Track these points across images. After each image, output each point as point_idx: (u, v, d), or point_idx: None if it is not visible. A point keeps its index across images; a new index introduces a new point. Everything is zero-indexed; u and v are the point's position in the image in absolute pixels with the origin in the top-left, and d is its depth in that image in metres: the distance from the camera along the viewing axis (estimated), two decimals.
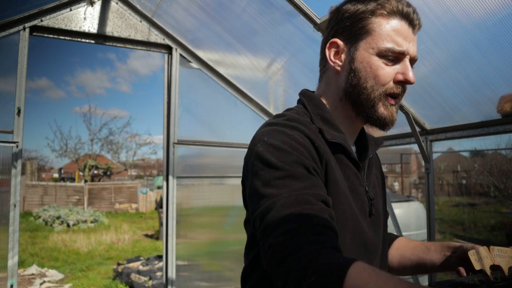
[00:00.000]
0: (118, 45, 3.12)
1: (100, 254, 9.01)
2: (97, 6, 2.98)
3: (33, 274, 6.94)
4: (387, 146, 2.93)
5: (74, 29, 2.89)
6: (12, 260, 2.57)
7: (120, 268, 6.84)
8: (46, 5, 2.77)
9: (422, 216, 3.87)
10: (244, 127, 3.63)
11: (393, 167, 31.51)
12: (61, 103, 48.49)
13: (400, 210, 3.80)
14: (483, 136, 2.20)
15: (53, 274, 7.01)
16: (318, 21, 2.08)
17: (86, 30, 2.94)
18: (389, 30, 0.88)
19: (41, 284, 6.40)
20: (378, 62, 0.89)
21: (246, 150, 0.94)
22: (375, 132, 3.15)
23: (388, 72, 0.89)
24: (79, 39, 3.00)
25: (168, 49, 3.26)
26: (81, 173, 24.03)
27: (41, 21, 2.77)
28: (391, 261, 1.11)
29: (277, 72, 3.15)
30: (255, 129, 1.28)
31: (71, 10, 2.88)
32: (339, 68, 0.95)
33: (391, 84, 0.90)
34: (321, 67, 1.02)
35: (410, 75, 0.89)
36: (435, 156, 2.55)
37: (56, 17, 2.83)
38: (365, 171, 0.99)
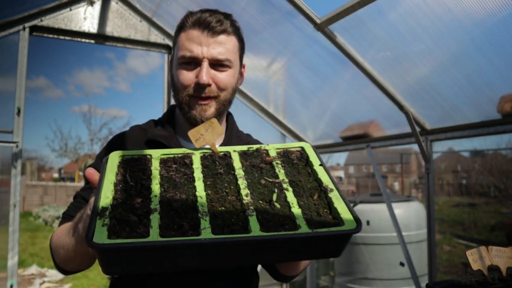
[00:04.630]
0: (118, 45, 3.12)
1: None
2: (97, 6, 2.98)
3: (33, 274, 6.94)
4: (387, 146, 2.93)
5: (74, 29, 2.89)
6: (12, 260, 2.56)
7: None
8: (46, 5, 2.77)
9: (422, 216, 3.87)
10: (243, 127, 3.59)
11: (393, 167, 31.50)
12: (60, 103, 48.53)
13: (400, 210, 3.80)
14: (483, 136, 2.20)
15: (53, 274, 7.01)
16: (318, 21, 2.08)
17: (86, 30, 2.94)
18: (184, 40, 0.98)
19: (41, 284, 6.41)
20: (180, 69, 0.99)
21: None
22: (374, 132, 3.12)
23: (186, 77, 0.98)
24: (79, 39, 3.00)
25: (168, 49, 3.26)
26: (81, 173, 24.04)
27: (41, 21, 2.77)
28: None
29: (277, 71, 3.15)
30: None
31: (71, 10, 2.88)
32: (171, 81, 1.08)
33: (192, 86, 0.98)
34: None
35: (201, 75, 0.95)
36: (435, 156, 2.55)
37: (56, 17, 2.83)
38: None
